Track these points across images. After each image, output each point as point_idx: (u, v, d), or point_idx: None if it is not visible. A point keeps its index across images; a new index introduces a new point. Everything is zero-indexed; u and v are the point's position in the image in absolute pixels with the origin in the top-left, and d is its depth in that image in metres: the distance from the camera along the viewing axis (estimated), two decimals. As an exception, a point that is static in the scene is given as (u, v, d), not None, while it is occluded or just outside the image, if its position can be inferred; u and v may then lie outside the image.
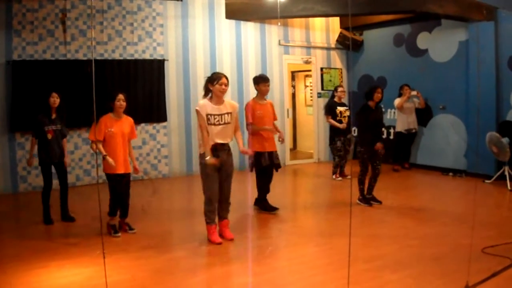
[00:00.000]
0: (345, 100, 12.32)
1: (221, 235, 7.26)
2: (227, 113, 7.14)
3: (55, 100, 8.39)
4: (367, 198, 9.31)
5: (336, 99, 12.09)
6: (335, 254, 6.64)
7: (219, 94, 7.10)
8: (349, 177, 11.79)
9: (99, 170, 9.86)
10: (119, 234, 7.55)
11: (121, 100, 7.68)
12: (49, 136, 8.31)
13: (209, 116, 7.00)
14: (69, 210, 8.60)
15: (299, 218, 8.96)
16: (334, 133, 11.94)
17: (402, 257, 6.39)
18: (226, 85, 7.14)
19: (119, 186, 7.60)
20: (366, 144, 9.18)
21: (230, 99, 8.12)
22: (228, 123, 7.14)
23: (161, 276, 5.95)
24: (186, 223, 8.65)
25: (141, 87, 12.61)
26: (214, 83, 7.09)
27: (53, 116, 8.43)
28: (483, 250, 6.41)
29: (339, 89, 12.19)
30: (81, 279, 5.90)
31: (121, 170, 7.60)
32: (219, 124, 7.05)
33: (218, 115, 7.06)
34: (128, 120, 7.90)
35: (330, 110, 11.98)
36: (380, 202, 9.43)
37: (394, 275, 5.74)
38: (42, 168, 8.40)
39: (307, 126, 16.96)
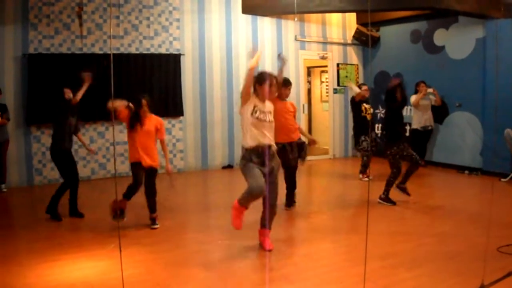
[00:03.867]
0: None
1: (260, 244, 6.85)
2: (270, 112, 6.69)
3: (69, 95, 8.41)
4: (390, 198, 9.22)
5: (359, 98, 11.79)
6: (351, 251, 6.63)
7: (265, 95, 6.63)
8: (370, 177, 11.66)
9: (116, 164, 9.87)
10: (125, 218, 7.65)
11: (144, 107, 7.88)
12: (69, 128, 8.39)
13: (256, 109, 6.54)
14: (81, 204, 8.62)
15: (315, 214, 8.92)
16: (359, 133, 11.64)
17: (417, 255, 6.36)
18: (274, 86, 6.74)
19: (139, 176, 7.70)
20: (395, 143, 9.14)
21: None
22: (272, 121, 6.67)
23: (175, 269, 5.96)
24: (201, 217, 8.66)
25: (157, 82, 12.63)
26: (262, 83, 6.66)
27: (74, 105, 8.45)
28: (499, 249, 6.36)
29: (363, 87, 11.96)
30: (95, 272, 5.92)
31: (145, 162, 7.74)
32: (264, 118, 6.55)
33: (264, 111, 6.58)
34: (156, 119, 8.09)
35: (354, 106, 11.85)
36: (409, 194, 9.47)
37: (409, 273, 5.71)
38: (56, 161, 8.42)
39: (323, 122, 16.93)
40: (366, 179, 11.62)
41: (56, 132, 8.39)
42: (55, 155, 8.37)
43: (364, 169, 11.76)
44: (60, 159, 8.35)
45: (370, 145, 11.59)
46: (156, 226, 7.81)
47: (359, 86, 12.15)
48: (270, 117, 6.59)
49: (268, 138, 6.50)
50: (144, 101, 7.82)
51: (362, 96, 11.66)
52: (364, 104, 11.58)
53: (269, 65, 14.05)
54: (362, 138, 11.51)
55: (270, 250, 6.67)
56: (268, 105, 6.65)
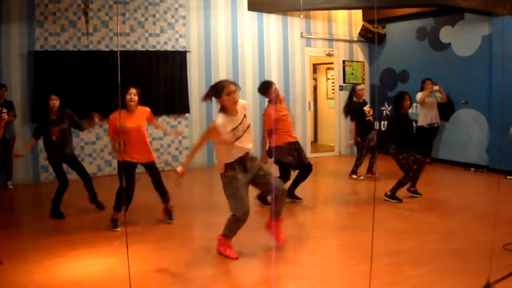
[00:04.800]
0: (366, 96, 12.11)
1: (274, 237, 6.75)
2: (244, 116, 6.32)
3: (54, 102, 8.27)
4: (397, 196, 9.21)
5: (356, 99, 11.53)
6: (357, 248, 6.63)
7: (230, 106, 6.20)
8: (377, 175, 11.62)
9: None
10: (119, 228, 7.47)
11: (132, 94, 7.56)
12: (54, 137, 8.28)
13: (234, 131, 6.13)
14: (88, 201, 8.68)
15: (321, 211, 8.94)
16: (363, 133, 11.38)
17: (423, 252, 6.36)
18: (235, 91, 6.20)
19: (131, 176, 7.57)
20: (406, 150, 9.15)
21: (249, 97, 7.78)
22: (249, 125, 6.36)
23: (182, 267, 5.98)
24: (207, 214, 8.67)
25: (163, 79, 12.65)
26: (221, 94, 6.19)
27: (54, 117, 8.33)
28: (505, 246, 6.35)
29: (358, 87, 11.64)
30: (102, 269, 5.94)
31: (141, 160, 7.65)
32: (243, 132, 6.22)
33: (240, 124, 6.20)
34: (143, 111, 7.82)
35: (355, 113, 11.44)
36: (420, 194, 9.53)
37: (415, 270, 5.72)
38: (53, 168, 8.44)
39: (329, 119, 16.93)
40: (362, 177, 11.55)
41: (45, 145, 8.49)
42: (52, 166, 8.44)
43: (356, 169, 11.70)
44: (58, 169, 8.42)
45: (369, 145, 11.49)
46: (172, 221, 7.92)
47: (354, 87, 11.75)
48: (245, 126, 6.30)
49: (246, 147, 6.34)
50: (132, 89, 7.64)
51: (359, 96, 11.49)
52: (365, 108, 11.32)
53: (275, 62, 14.09)
54: (366, 137, 11.34)
55: (282, 243, 6.69)
56: (239, 114, 6.30)
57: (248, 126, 6.32)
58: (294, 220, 8.40)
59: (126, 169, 7.48)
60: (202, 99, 6.50)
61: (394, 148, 9.25)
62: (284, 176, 8.61)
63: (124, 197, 7.25)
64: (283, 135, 8.79)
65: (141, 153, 7.63)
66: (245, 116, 6.31)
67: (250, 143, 6.35)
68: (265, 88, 9.00)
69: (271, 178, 6.48)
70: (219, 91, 6.18)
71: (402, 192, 9.32)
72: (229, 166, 6.19)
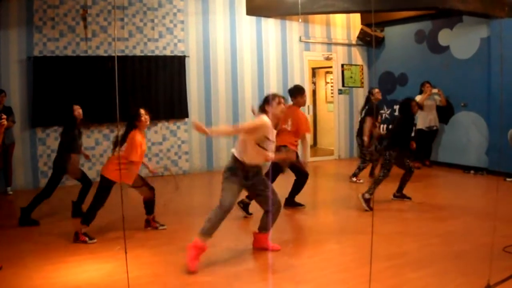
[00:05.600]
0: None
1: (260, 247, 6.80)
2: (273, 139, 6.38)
3: (80, 112, 8.31)
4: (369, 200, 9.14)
5: (374, 101, 11.62)
6: (357, 251, 6.63)
7: (279, 117, 6.38)
8: (361, 180, 11.55)
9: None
10: (95, 239, 7.27)
11: (144, 115, 7.44)
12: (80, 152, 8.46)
13: (266, 141, 6.22)
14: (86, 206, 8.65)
15: (320, 215, 8.94)
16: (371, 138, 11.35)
17: (423, 255, 6.36)
18: (283, 104, 6.37)
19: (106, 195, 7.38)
20: (400, 149, 9.17)
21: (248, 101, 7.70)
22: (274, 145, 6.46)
23: (181, 272, 5.95)
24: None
25: (162, 84, 12.64)
26: (274, 102, 6.26)
27: (80, 127, 8.42)
28: (505, 249, 6.36)
29: (375, 90, 11.69)
30: (101, 274, 5.94)
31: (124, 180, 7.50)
32: (268, 147, 6.27)
33: (272, 141, 6.35)
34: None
35: (371, 111, 11.46)
36: (409, 198, 9.52)
37: (416, 273, 5.71)
38: (55, 173, 8.47)
39: (328, 122, 16.93)
40: (362, 181, 11.49)
41: (62, 145, 8.41)
42: (60, 165, 8.41)
43: (359, 172, 11.68)
44: (61, 170, 8.41)
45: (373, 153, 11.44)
46: (164, 227, 7.88)
47: (371, 91, 11.80)
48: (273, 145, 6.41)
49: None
50: (143, 111, 7.50)
51: (376, 99, 11.54)
52: (381, 111, 11.16)
53: (273, 66, 14.10)
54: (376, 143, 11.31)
55: (278, 250, 6.71)
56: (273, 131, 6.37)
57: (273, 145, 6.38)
58: (294, 224, 8.42)
59: (107, 188, 7.38)
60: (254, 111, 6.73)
61: (388, 143, 9.28)
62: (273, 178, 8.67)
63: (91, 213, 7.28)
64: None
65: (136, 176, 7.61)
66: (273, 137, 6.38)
67: (262, 160, 6.41)
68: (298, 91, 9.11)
69: (269, 193, 6.58)
70: (270, 99, 6.27)
71: (404, 193, 9.37)
72: (237, 164, 6.29)
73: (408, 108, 9.31)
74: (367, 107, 11.63)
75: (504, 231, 7.03)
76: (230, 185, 6.29)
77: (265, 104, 6.30)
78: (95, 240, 7.22)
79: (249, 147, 6.19)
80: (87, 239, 7.20)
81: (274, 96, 6.30)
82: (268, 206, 6.58)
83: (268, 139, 6.17)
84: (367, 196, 8.92)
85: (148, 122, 7.51)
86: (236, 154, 6.30)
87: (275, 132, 6.36)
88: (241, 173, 6.31)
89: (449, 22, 13.12)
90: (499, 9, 11.40)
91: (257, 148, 6.17)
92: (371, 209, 8.74)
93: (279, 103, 6.26)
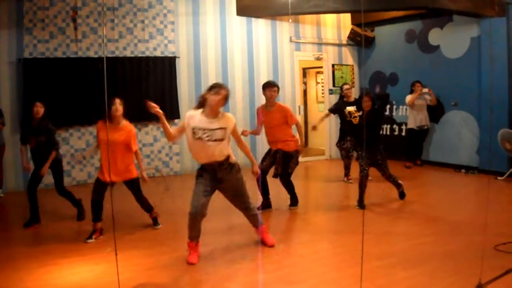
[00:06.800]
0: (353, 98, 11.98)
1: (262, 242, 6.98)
2: (220, 129, 6.36)
3: (38, 109, 8.19)
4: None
5: (345, 99, 11.47)
6: (348, 251, 6.63)
7: (213, 105, 6.33)
8: (351, 180, 11.55)
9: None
10: (93, 239, 7.32)
11: (117, 104, 7.38)
12: (31, 145, 8.24)
13: (195, 130, 6.37)
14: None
15: (311, 215, 8.92)
16: (344, 133, 11.52)
17: (414, 254, 6.36)
18: (224, 99, 6.39)
19: (101, 195, 7.42)
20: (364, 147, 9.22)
21: (239, 101, 7.74)
22: (221, 139, 6.37)
23: (172, 273, 5.96)
24: (198, 220, 8.64)
25: (152, 85, 12.63)
26: (211, 91, 6.39)
27: (34, 125, 8.25)
28: (496, 247, 6.37)
29: (345, 86, 11.61)
30: (92, 276, 5.93)
31: (116, 179, 7.46)
32: (209, 140, 6.31)
33: (209, 129, 6.32)
34: (130, 129, 7.60)
35: (336, 110, 11.49)
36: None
37: (407, 272, 5.72)
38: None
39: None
40: (351, 180, 11.46)
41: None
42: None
43: (347, 171, 11.70)
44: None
45: (355, 148, 11.43)
46: (158, 227, 7.93)
47: (341, 87, 11.83)
48: (219, 135, 6.39)
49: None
50: (117, 100, 7.47)
51: (347, 96, 11.39)
52: (348, 107, 10.88)
53: (264, 67, 14.10)
54: (348, 138, 11.38)
55: (272, 246, 6.85)
56: (220, 121, 6.47)
57: (221, 140, 6.39)
58: (285, 224, 8.40)
59: (99, 187, 7.40)
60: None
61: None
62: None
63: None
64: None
65: (121, 171, 7.52)
66: (224, 129, 6.41)
67: (221, 156, 6.46)
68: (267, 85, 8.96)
69: (236, 201, 6.80)
70: (212, 88, 6.49)
71: (395, 192, 9.40)
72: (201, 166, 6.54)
73: (359, 104, 9.33)
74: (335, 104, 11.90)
75: (495, 229, 7.06)
76: (195, 189, 6.48)
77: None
78: (92, 240, 7.30)
79: (191, 146, 6.51)
80: (99, 235, 7.43)
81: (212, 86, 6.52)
82: (241, 208, 6.83)
83: (199, 129, 6.34)
84: (357, 203, 9.06)
85: (118, 113, 7.42)
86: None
87: (213, 120, 6.39)
88: (207, 175, 6.45)
89: (440, 21, 13.15)
90: (489, 9, 11.43)
91: (196, 142, 6.36)
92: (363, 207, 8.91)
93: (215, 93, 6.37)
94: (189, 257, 6.35)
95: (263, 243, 6.93)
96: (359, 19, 15.30)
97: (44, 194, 8.53)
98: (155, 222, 8.02)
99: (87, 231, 7.58)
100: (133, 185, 7.74)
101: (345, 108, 10.81)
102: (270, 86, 8.76)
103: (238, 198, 6.76)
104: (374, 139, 9.15)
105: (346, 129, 11.33)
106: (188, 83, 13.25)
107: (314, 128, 10.73)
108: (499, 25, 11.43)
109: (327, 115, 11.79)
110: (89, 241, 7.26)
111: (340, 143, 11.64)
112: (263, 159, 8.91)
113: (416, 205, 9.22)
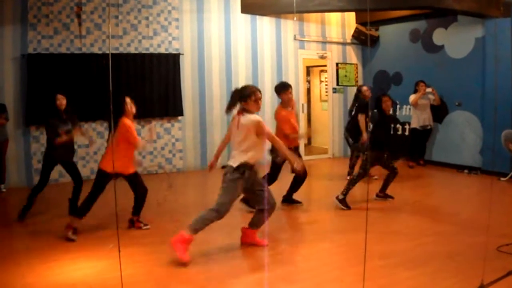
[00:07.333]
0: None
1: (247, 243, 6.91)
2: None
3: (61, 101, 8.25)
4: (346, 201, 9.01)
5: (365, 99, 11.44)
6: (350, 250, 6.64)
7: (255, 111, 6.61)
8: (375, 177, 11.49)
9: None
10: (75, 239, 7.18)
11: (131, 103, 7.43)
12: (60, 139, 8.12)
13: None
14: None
15: (314, 214, 8.91)
16: (356, 134, 11.29)
17: (417, 254, 6.36)
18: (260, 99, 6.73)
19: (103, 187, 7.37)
20: (376, 148, 9.18)
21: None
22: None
23: (174, 270, 5.96)
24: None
25: (156, 81, 12.62)
26: (247, 99, 6.65)
27: (64, 117, 8.28)
28: (498, 248, 6.36)
29: (364, 88, 11.63)
30: (94, 272, 5.93)
31: (123, 171, 7.47)
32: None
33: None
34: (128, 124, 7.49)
35: (362, 108, 11.21)
36: (392, 197, 9.45)
37: (409, 272, 5.72)
38: (44, 166, 8.37)
39: (322, 121, 16.92)
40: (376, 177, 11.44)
41: (48, 143, 8.35)
42: (45, 164, 8.39)
43: (351, 171, 11.65)
44: (47, 170, 8.36)
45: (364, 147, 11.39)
46: (148, 227, 7.81)
47: (359, 89, 11.79)
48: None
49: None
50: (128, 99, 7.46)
51: (365, 97, 11.36)
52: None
53: (268, 65, 14.10)
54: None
55: (265, 245, 6.80)
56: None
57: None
58: (287, 223, 8.40)
59: (103, 181, 7.33)
60: (227, 110, 6.81)
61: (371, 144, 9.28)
62: (272, 179, 8.64)
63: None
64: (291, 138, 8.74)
65: (126, 164, 7.51)
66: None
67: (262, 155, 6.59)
68: (281, 88, 8.90)
69: (265, 192, 6.64)
70: (246, 96, 6.65)
71: (393, 191, 9.36)
72: (245, 165, 6.39)
73: (379, 103, 9.29)
74: (357, 104, 11.56)
75: (497, 230, 7.04)
76: (232, 190, 6.42)
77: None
78: (75, 239, 7.17)
79: (258, 146, 6.46)
80: (70, 233, 7.19)
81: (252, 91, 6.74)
82: (263, 205, 6.64)
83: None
84: (340, 196, 8.97)
85: (134, 110, 7.44)
86: (240, 158, 6.41)
87: None
88: (246, 175, 6.40)
89: (444, 21, 13.12)
90: (494, 9, 11.41)
91: (259, 144, 6.46)
92: (348, 207, 8.85)
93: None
94: (183, 256, 6.16)
95: (256, 244, 6.85)
96: (364, 18, 15.29)
97: (47, 189, 8.49)
98: (131, 223, 7.82)
99: (90, 226, 7.58)
100: (134, 179, 7.66)
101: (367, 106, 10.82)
102: (286, 89, 8.79)
103: (260, 198, 6.69)
104: (388, 140, 9.24)
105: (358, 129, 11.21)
106: (192, 80, 13.24)
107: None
108: (504, 26, 11.40)
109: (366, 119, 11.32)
110: (74, 237, 7.18)
111: (354, 143, 11.49)
112: (276, 156, 8.83)
113: (418, 205, 9.22)
